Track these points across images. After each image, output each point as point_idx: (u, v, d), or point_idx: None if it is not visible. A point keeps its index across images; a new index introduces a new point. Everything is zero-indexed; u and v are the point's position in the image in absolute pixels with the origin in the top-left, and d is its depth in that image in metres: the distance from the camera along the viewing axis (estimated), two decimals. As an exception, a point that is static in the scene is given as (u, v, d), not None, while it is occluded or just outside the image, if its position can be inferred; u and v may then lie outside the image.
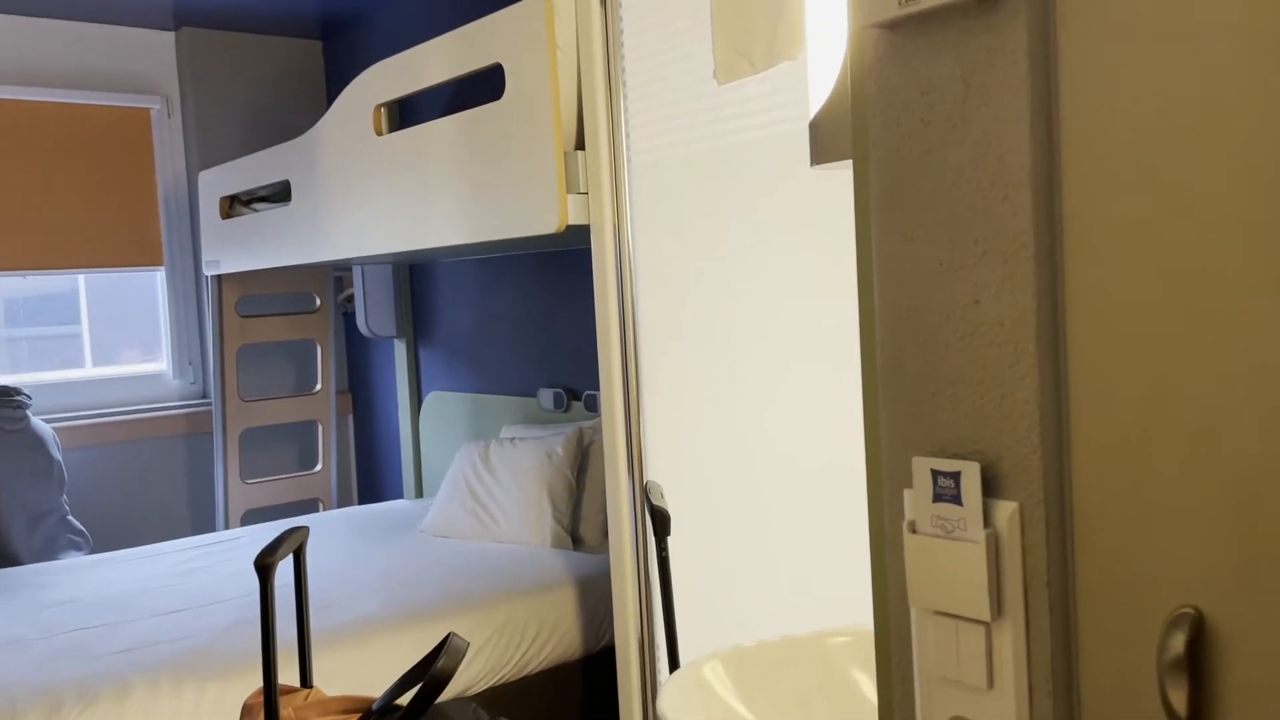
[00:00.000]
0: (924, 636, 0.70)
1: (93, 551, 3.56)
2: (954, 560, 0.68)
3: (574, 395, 3.34)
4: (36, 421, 3.39)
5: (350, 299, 4.19)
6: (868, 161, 0.73)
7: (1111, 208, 0.61)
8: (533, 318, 3.49)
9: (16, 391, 3.31)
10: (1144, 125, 0.59)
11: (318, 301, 4.00)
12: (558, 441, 3.05)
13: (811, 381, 1.70)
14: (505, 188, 2.15)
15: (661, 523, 1.17)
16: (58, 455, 3.42)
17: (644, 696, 2.04)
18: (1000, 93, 0.64)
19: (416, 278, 4.00)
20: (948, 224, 0.68)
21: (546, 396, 3.39)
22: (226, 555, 3.04)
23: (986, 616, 0.66)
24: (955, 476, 0.68)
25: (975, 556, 0.67)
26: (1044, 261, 0.64)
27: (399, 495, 4.18)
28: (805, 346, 1.72)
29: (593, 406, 3.23)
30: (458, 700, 1.28)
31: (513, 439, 3.17)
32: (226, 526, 3.78)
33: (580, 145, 2.04)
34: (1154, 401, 0.60)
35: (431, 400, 3.92)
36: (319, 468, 4.04)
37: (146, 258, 4.01)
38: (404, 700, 1.25)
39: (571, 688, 2.50)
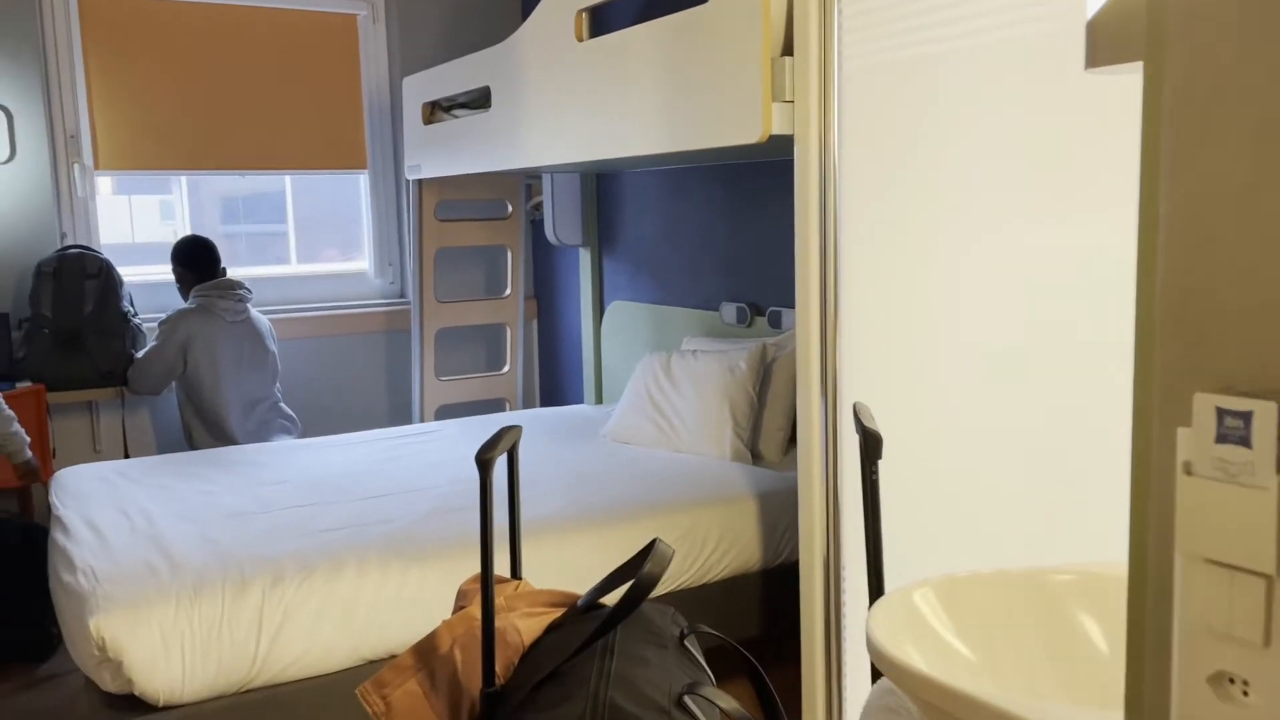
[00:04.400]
0: (1190, 585, 0.66)
1: (301, 436, 3.83)
2: (1236, 507, 0.63)
3: (757, 311, 3.31)
4: (256, 314, 3.64)
5: (539, 207, 4.27)
6: (1162, 65, 0.66)
7: None
8: (717, 230, 3.46)
9: (239, 284, 3.57)
10: None
11: (509, 209, 4.10)
12: (741, 356, 3.04)
13: (1025, 308, 1.61)
14: (707, 96, 2.11)
15: (873, 445, 1.14)
16: (273, 346, 3.67)
17: (827, 615, 2.04)
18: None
19: (603, 187, 4.03)
20: (1259, 140, 0.61)
21: (729, 311, 3.38)
22: (424, 447, 3.22)
23: (1270, 569, 0.61)
24: (1246, 417, 0.62)
25: (1263, 504, 0.61)
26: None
27: (579, 400, 4.29)
28: (1018, 270, 1.63)
29: (777, 323, 3.20)
30: (656, 603, 1.31)
31: (694, 351, 3.18)
32: (422, 420, 3.99)
33: (788, 51, 1.97)
34: None
35: (613, 309, 3.98)
36: (506, 369, 4.19)
37: (351, 161, 4.20)
38: (607, 600, 1.29)
39: (748, 599, 2.54)
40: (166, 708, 1.95)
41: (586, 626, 1.23)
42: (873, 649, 0.98)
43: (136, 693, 1.92)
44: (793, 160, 3.03)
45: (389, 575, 2.15)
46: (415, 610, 2.14)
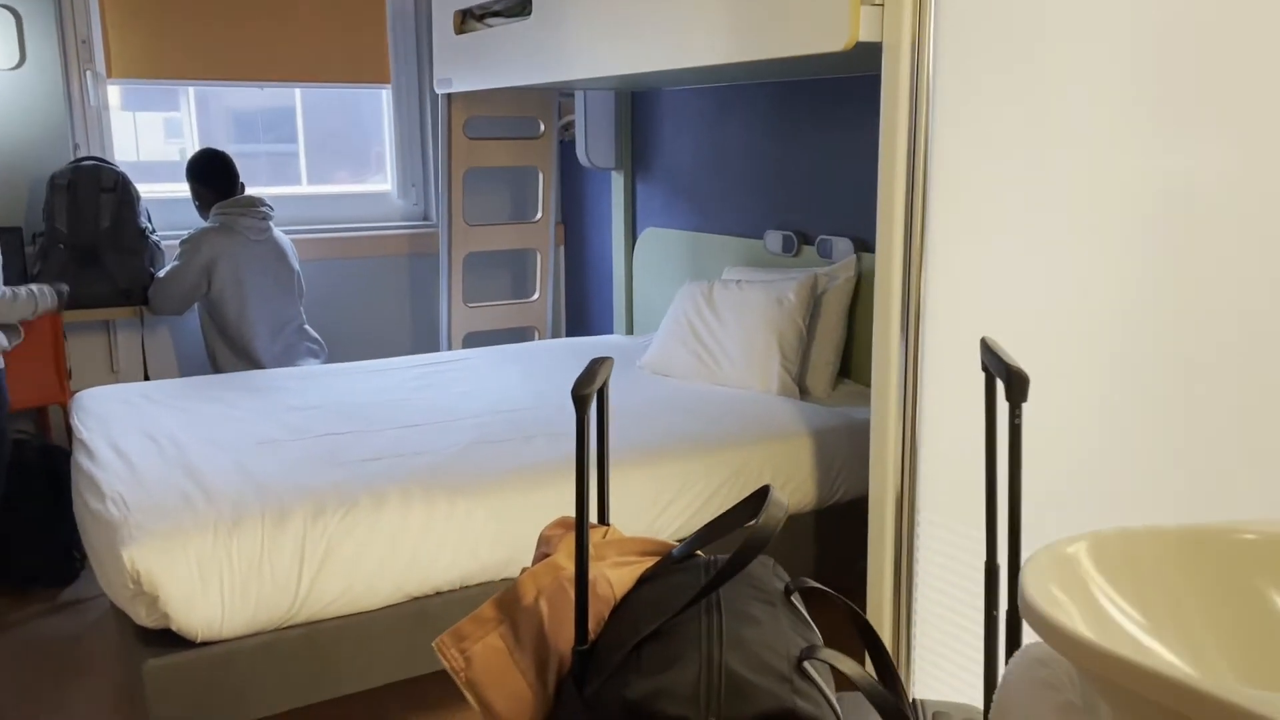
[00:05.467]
0: None
1: (327, 360, 3.72)
2: None
3: (805, 239, 3.16)
4: (278, 232, 3.50)
5: (569, 127, 4.08)
6: None
7: None
8: (762, 153, 3.30)
9: (261, 202, 3.41)
10: None
11: (542, 127, 3.91)
12: (789, 287, 2.90)
13: (1149, 243, 1.47)
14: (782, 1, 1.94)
15: (1018, 384, 1.02)
16: (297, 266, 3.53)
17: (898, 556, 1.94)
18: None
19: (639, 106, 3.84)
20: None
21: (774, 239, 3.23)
22: (455, 375, 3.10)
23: None
24: None
25: None
26: None
27: (608, 330, 4.17)
28: (1136, 201, 1.48)
29: (827, 252, 3.05)
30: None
31: (738, 281, 3.04)
32: (449, 347, 3.87)
33: (879, -49, 1.79)
34: None
35: (647, 236, 3.83)
36: (535, 296, 4.05)
37: (374, 74, 4.01)
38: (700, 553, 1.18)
39: (803, 540, 2.44)
40: (205, 644, 1.86)
41: (686, 579, 1.12)
42: (1037, 618, 0.86)
43: (174, 628, 1.83)
44: (859, 77, 2.88)
45: (435, 509, 2.04)
46: (463, 546, 2.04)
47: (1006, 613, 1.11)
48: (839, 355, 2.93)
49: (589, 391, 1.00)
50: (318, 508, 1.98)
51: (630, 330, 3.96)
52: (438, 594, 2.04)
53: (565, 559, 1.12)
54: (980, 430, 1.76)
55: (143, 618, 1.85)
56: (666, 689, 0.94)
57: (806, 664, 0.99)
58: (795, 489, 2.40)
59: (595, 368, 1.05)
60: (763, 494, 1.08)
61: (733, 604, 1.06)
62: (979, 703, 1.81)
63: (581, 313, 4.38)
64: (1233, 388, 1.38)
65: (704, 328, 3.03)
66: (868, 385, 2.95)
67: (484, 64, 3.21)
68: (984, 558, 1.76)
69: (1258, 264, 1.34)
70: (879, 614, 1.97)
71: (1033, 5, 1.59)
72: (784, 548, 2.41)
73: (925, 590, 1.90)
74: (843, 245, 3.00)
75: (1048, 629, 0.85)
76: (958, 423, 1.81)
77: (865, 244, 2.96)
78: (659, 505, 2.23)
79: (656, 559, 1.17)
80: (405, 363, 3.26)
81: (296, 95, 4.01)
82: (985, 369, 1.19)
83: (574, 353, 3.38)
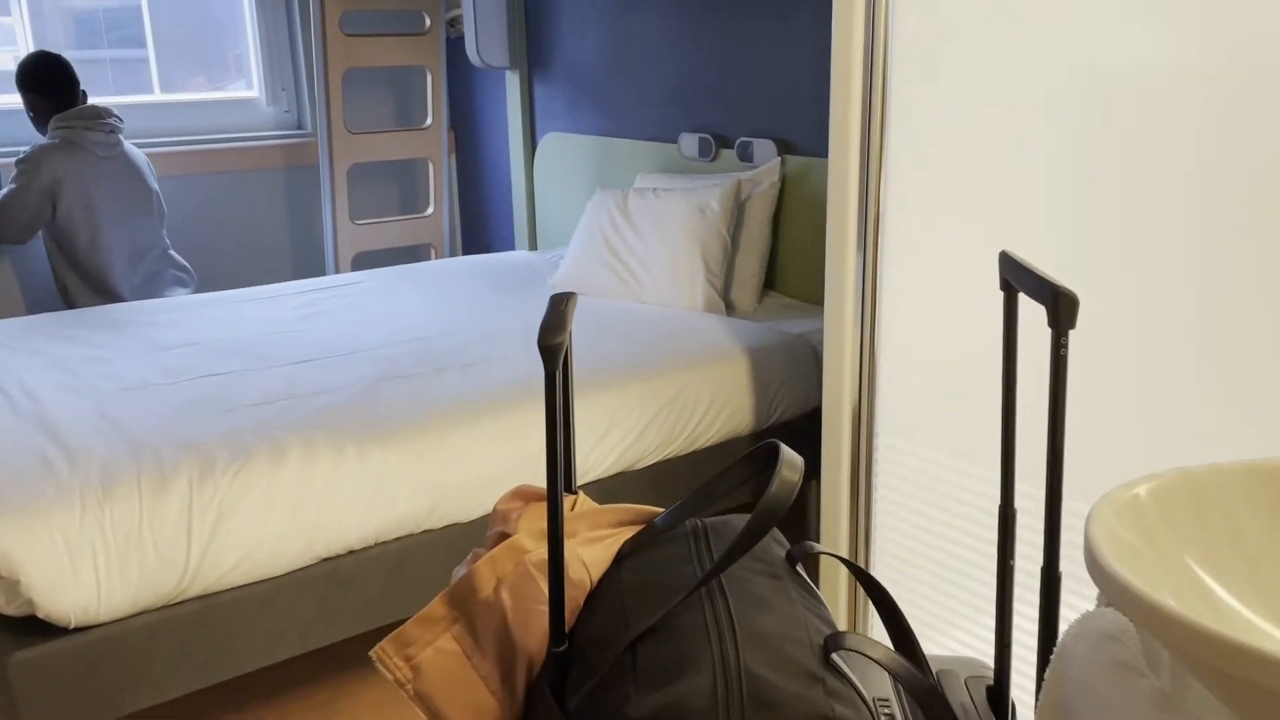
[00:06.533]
0: None
1: (197, 290, 3.36)
2: None
3: (724, 143, 2.95)
4: (130, 147, 3.10)
5: (457, 22, 3.73)
6: None
7: None
8: (674, 51, 3.05)
9: (108, 113, 3.00)
10: None
11: (427, 22, 3.55)
12: (712, 195, 2.70)
13: (1124, 124, 1.32)
14: None
15: (1067, 310, 0.85)
16: (154, 184, 3.15)
17: (854, 483, 1.81)
18: None
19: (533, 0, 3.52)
20: None
21: (690, 143, 3.01)
22: (347, 301, 2.81)
23: None
24: None
25: None
26: None
27: (509, 246, 3.90)
28: (1128, 106, 1.33)
29: (747, 156, 2.86)
30: (741, 514, 1.02)
31: (654, 189, 2.82)
32: (337, 270, 3.54)
33: None
34: None
35: (548, 142, 3.55)
36: (430, 211, 3.75)
37: (231, -35, 3.56)
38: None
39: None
40: (80, 629, 1.61)
41: (673, 553, 0.93)
42: (1119, 589, 0.71)
43: (40, 615, 1.57)
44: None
45: (343, 458, 1.80)
46: (376, 498, 1.82)
47: (1044, 570, 0.97)
48: (764, 266, 2.76)
49: (560, 341, 0.79)
50: (205, 465, 1.72)
51: (534, 245, 3.71)
52: (350, 553, 1.82)
53: (530, 539, 0.92)
54: (948, 347, 1.62)
55: (3, 606, 1.58)
56: (678, 704, 0.77)
57: (834, 656, 0.83)
58: (733, 413, 2.24)
59: (562, 309, 0.84)
60: (769, 453, 0.90)
61: (737, 584, 0.89)
62: (960, 650, 1.71)
63: (480, 227, 4.10)
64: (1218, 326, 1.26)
65: (620, 241, 2.82)
66: (795, 297, 2.80)
67: (361, -52, 2.84)
68: (957, 488, 1.63)
69: None
70: (834, 544, 1.84)
71: None
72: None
73: (885, 519, 1.78)
74: (764, 148, 2.81)
75: (1134, 603, 0.70)
76: (921, 340, 1.66)
77: (789, 145, 2.77)
78: (592, 438, 2.04)
79: (635, 530, 0.98)
80: (290, 289, 2.95)
81: (142, -10, 3.54)
82: (1006, 287, 1.02)
83: (478, 271, 3.12)
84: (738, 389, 2.25)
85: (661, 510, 0.99)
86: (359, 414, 1.93)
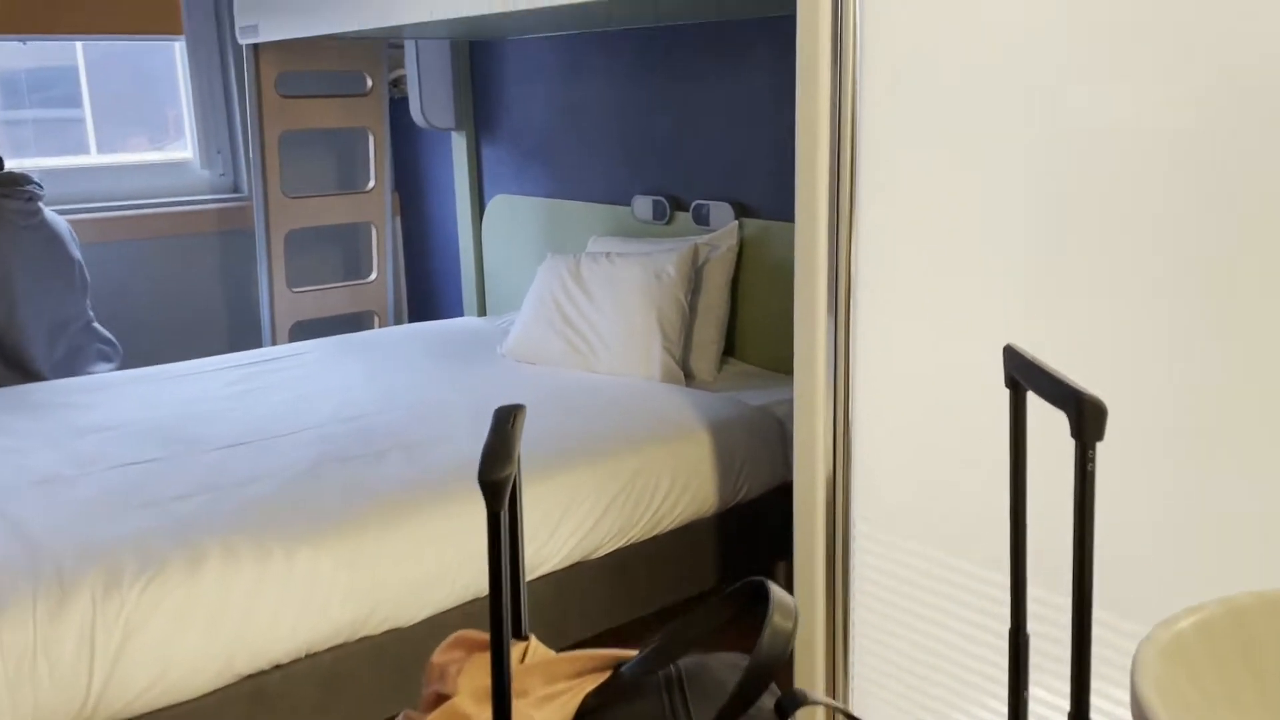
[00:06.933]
0: None
1: (123, 365, 3.17)
2: None
3: (679, 205, 2.85)
4: (51, 214, 2.92)
5: (400, 82, 3.62)
6: None
7: None
8: (626, 110, 2.96)
9: (26, 179, 2.82)
10: None
11: (369, 82, 3.43)
12: (668, 260, 2.59)
13: (1109, 193, 1.23)
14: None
15: (1094, 420, 0.73)
16: (77, 253, 2.96)
17: (830, 576, 1.67)
18: None
19: (480, 59, 3.42)
20: None
21: (644, 205, 2.91)
22: (284, 375, 2.65)
23: None
24: None
25: None
26: None
27: (456, 312, 3.76)
28: (1105, 158, 1.24)
29: (703, 219, 2.75)
30: (731, 655, 0.88)
31: (608, 254, 2.71)
32: (273, 341, 3.37)
33: None
34: None
35: (497, 204, 3.43)
36: (373, 277, 3.59)
37: (162, 24, 3.42)
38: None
39: (704, 549, 2.15)
40: (-37, 771, 1.41)
41: (647, 710, 0.79)
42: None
43: (-85, 757, 1.37)
44: (731, 22, 2.56)
45: (269, 562, 1.63)
46: (308, 606, 1.64)
47: (1071, 716, 0.84)
48: (723, 332, 2.65)
49: (505, 475, 0.65)
50: (112, 576, 1.54)
51: (483, 311, 3.56)
52: (277, 668, 1.64)
53: (471, 701, 0.77)
54: (931, 421, 1.50)
55: None
56: None
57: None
58: (696, 493, 2.11)
59: (507, 432, 0.70)
60: (754, 591, 0.76)
61: (719, 750, 0.74)
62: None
63: (426, 293, 3.95)
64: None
65: (573, 308, 2.69)
66: (756, 364, 2.68)
67: (297, 8, 2.72)
68: (948, 585, 1.50)
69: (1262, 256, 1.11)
70: (809, 650, 1.70)
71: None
72: (684, 560, 2.12)
73: (865, 629, 1.65)
74: (721, 210, 2.71)
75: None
76: (900, 414, 1.54)
77: (746, 209, 2.67)
78: (546, 528, 1.89)
79: (598, 679, 0.84)
80: (221, 363, 2.78)
81: (78, 50, 3.38)
82: (1013, 384, 0.90)
83: (423, 340, 2.97)
84: (700, 467, 2.11)
85: (627, 654, 0.84)
86: (289, 508, 1.76)
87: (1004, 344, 0.93)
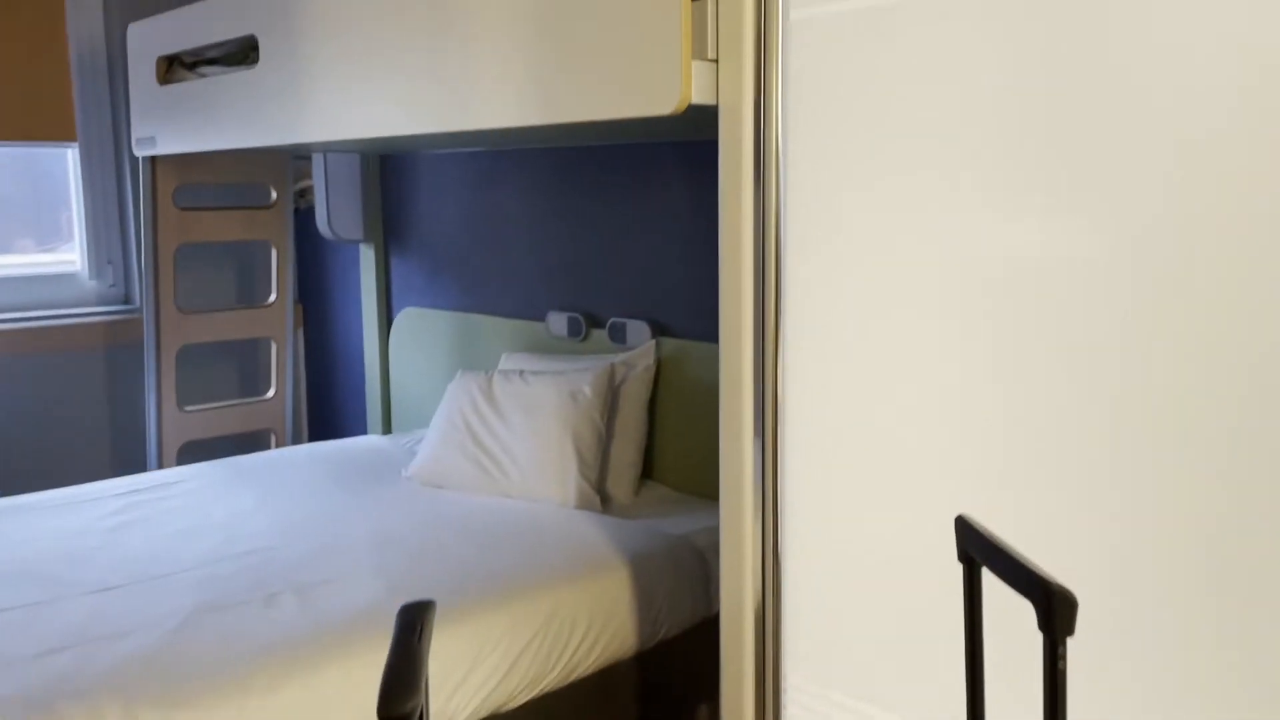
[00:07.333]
0: None
1: (-8, 490, 2.92)
2: None
3: (594, 322, 2.80)
4: (-83, 330, 2.71)
5: (307, 193, 3.53)
6: None
7: None
8: (541, 226, 2.92)
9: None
10: None
11: (274, 195, 3.33)
12: (584, 379, 2.52)
13: (1017, 325, 1.21)
14: (597, 51, 1.57)
15: (1064, 613, 0.67)
16: (-55, 372, 2.75)
17: (760, 701, 1.57)
18: None
19: (391, 171, 3.36)
20: None
21: (558, 321, 2.84)
22: (169, 504, 2.46)
23: None
24: None
25: None
26: None
27: (361, 430, 3.60)
28: (1026, 288, 1.22)
29: (620, 337, 2.70)
30: None
31: (521, 372, 2.62)
32: (160, 464, 3.16)
33: (709, -8, 1.47)
34: None
35: (405, 317, 3.33)
36: (272, 394, 3.42)
37: (55, 130, 3.28)
38: None
39: (624, 693, 2.02)
40: None
41: None
42: None
43: None
44: (649, 143, 2.56)
45: (139, 734, 1.46)
46: (182, 783, 1.47)
47: None
48: (641, 455, 2.57)
49: (409, 709, 0.55)
50: (-48, 758, 1.35)
51: (388, 429, 3.42)
52: None
53: None
54: (868, 560, 1.43)
55: None
56: None
57: None
58: (614, 634, 1.99)
59: (413, 654, 0.60)
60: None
61: None
62: None
63: (328, 410, 3.79)
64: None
65: (484, 428, 2.58)
66: (674, 488, 2.60)
67: (198, 121, 2.63)
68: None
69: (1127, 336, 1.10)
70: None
71: (893, 66, 1.31)
72: (603, 707, 1.99)
73: (798, 769, 1.54)
74: (638, 329, 2.66)
75: None
76: (833, 557, 1.47)
77: (664, 327, 2.63)
78: (453, 680, 1.75)
79: None
80: (102, 491, 2.57)
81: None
82: (966, 559, 0.84)
83: (323, 461, 2.81)
84: (619, 605, 2.00)
85: None
86: (164, 666, 1.59)
87: (957, 516, 0.87)
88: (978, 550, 0.79)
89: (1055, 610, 0.69)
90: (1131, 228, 1.15)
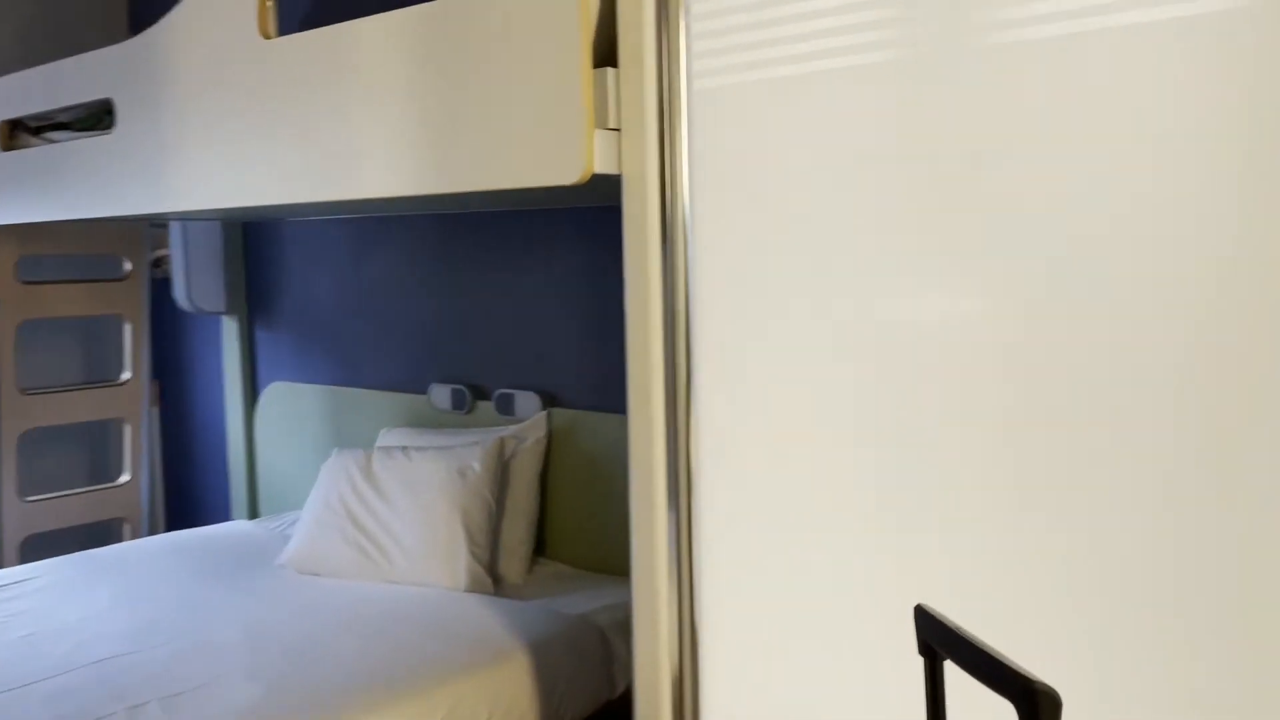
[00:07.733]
0: None
1: None
2: None
3: (480, 394, 2.70)
4: None
5: (163, 262, 3.32)
6: None
7: None
8: (422, 295, 2.82)
9: None
10: None
11: (127, 266, 3.12)
12: (472, 454, 2.41)
13: (919, 395, 1.21)
14: (496, 118, 1.51)
15: (1050, 712, 0.63)
16: None
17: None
18: None
19: (255, 239, 3.20)
20: None
21: (441, 394, 2.74)
22: (12, 606, 2.22)
23: None
24: None
25: None
26: None
27: (225, 515, 3.37)
28: (935, 357, 1.22)
29: (508, 409, 2.61)
30: None
31: (404, 448, 2.50)
32: (1, 562, 2.86)
33: (609, 60, 1.44)
34: None
35: (272, 393, 3.16)
36: (126, 479, 3.17)
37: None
38: None
39: (528, 790, 1.91)
40: None
41: None
42: None
43: None
44: (537, 211, 2.51)
45: None
46: None
47: None
48: (533, 532, 2.48)
49: None
50: None
51: (255, 513, 3.21)
52: None
53: None
54: (789, 642, 1.39)
55: None
56: None
57: None
58: (516, 726, 1.88)
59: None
60: None
61: None
62: None
63: (188, 495, 3.53)
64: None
65: (364, 510, 2.44)
66: (568, 564, 2.51)
67: (45, 189, 2.44)
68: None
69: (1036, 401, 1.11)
70: None
71: (802, 135, 1.31)
72: (507, 805, 1.87)
73: None
74: (527, 400, 2.58)
75: None
76: (752, 634, 1.42)
77: (554, 398, 2.56)
78: (344, 792, 1.60)
79: None
80: (-72, 597, 2.30)
81: None
82: (928, 652, 0.80)
83: (185, 552, 2.60)
84: (519, 695, 1.90)
85: None
86: (12, 805, 1.40)
87: (916, 605, 0.83)
88: (940, 642, 0.75)
89: (1041, 711, 0.66)
90: (1024, 291, 1.16)
